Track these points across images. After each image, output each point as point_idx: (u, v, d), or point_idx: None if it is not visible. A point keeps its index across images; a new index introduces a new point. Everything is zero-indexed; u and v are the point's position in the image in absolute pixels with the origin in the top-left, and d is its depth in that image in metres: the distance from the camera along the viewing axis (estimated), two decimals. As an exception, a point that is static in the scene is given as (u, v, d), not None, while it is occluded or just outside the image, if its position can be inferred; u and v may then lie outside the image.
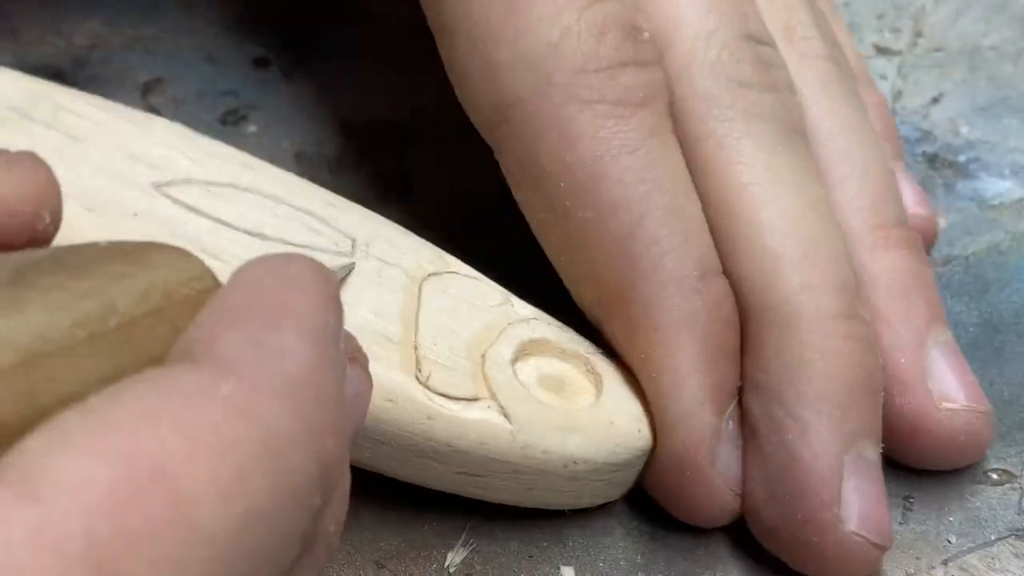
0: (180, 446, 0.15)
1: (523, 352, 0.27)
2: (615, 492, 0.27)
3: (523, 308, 0.28)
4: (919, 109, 0.37)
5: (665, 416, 0.26)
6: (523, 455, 0.25)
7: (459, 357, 0.26)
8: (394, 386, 0.25)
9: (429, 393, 0.25)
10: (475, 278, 0.28)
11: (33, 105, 0.26)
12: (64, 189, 0.24)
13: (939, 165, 0.36)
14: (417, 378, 0.25)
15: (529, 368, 0.27)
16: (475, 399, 0.25)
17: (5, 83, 0.27)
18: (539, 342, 0.27)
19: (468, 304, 0.27)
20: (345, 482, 0.19)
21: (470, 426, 0.25)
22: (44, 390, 0.15)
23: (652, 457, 0.27)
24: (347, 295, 0.26)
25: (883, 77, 0.38)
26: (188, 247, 0.24)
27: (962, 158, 0.36)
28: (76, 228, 0.24)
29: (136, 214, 0.25)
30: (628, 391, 0.27)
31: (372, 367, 0.24)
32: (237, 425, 0.15)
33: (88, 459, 0.14)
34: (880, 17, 0.40)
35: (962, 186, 0.36)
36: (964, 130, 0.37)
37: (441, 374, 0.25)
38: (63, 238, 0.24)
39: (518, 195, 0.28)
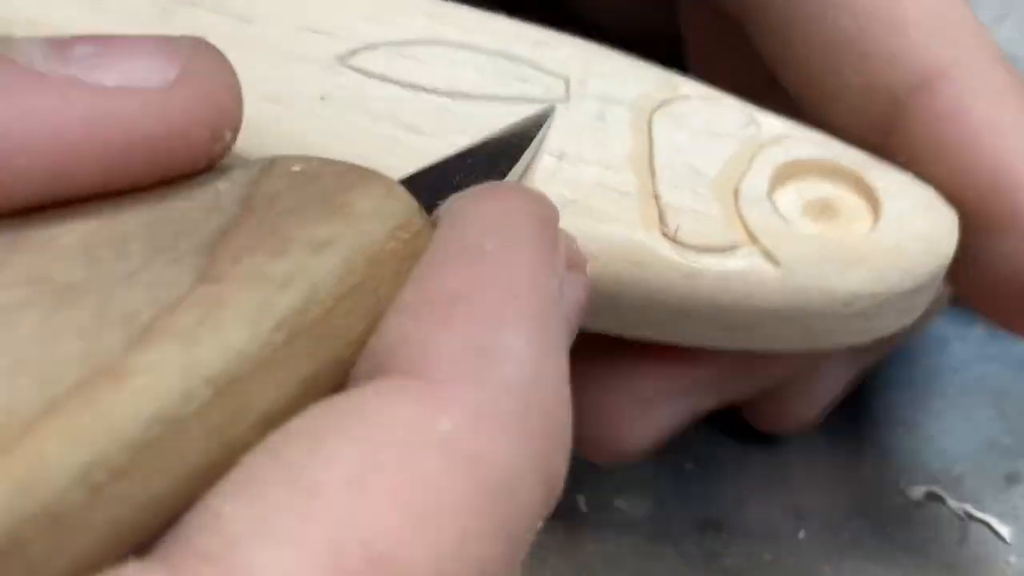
0: (395, 521, 0.13)
1: (781, 178, 0.23)
2: (909, 318, 0.24)
3: (772, 124, 0.24)
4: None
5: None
6: (797, 299, 0.22)
7: (708, 199, 0.22)
8: (639, 247, 0.22)
9: (680, 248, 0.22)
10: (710, 99, 0.24)
11: None
12: (243, 82, 0.22)
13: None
14: (664, 233, 0.22)
15: (790, 196, 0.23)
16: (734, 247, 0.22)
17: None
18: (798, 163, 0.23)
19: (708, 133, 0.23)
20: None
21: (732, 278, 0.22)
22: (237, 420, 0.14)
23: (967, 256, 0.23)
24: (568, 147, 0.23)
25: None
26: (384, 126, 0.22)
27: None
28: (261, 123, 0.22)
29: (323, 97, 0.23)
30: (913, 202, 0.23)
31: (608, 229, 0.21)
32: (458, 478, 0.13)
33: (296, 552, 0.12)
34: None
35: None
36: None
37: (690, 224, 0.22)
38: (246, 135, 0.22)
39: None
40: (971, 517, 0.27)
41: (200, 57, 0.17)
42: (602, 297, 0.22)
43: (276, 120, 0.22)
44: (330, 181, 0.17)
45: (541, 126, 0.23)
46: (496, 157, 0.21)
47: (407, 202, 0.17)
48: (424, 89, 0.23)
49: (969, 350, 0.31)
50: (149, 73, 0.16)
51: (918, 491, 0.28)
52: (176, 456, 0.13)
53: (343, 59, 0.23)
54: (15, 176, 0.15)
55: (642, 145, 0.23)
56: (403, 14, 0.24)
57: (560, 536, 0.27)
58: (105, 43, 0.16)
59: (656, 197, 0.22)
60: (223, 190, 0.17)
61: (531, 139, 0.22)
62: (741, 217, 0.22)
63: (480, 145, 0.21)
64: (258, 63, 0.23)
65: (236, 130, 0.18)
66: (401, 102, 0.23)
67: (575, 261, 0.19)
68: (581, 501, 0.28)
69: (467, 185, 0.19)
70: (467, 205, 0.17)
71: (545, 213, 0.18)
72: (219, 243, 0.15)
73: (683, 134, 0.23)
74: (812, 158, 0.23)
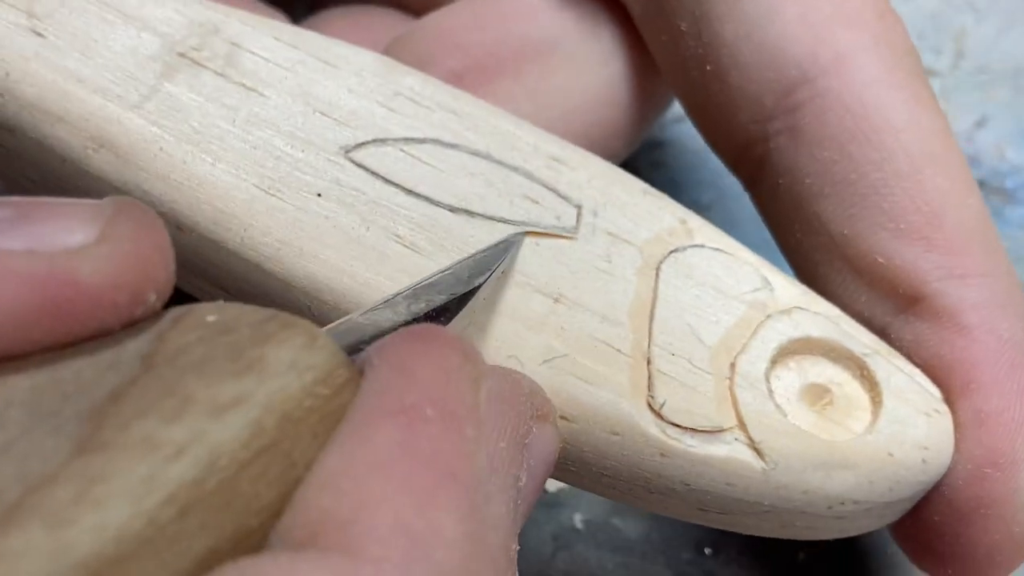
0: None
1: (782, 355, 0.22)
2: (886, 522, 0.23)
3: (785, 291, 0.22)
4: (963, 133, 0.35)
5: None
6: (777, 496, 0.21)
7: (702, 371, 0.21)
8: (621, 417, 0.20)
9: (663, 425, 0.20)
10: (724, 251, 0.23)
11: (203, 44, 0.22)
12: (237, 161, 0.21)
13: (986, 191, 0.34)
14: (650, 405, 0.21)
15: (789, 376, 0.22)
16: (719, 430, 0.21)
17: (171, 13, 0.22)
18: (803, 342, 0.22)
19: (716, 293, 0.22)
20: None
21: (712, 464, 0.20)
22: None
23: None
24: (567, 289, 0.21)
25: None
26: (377, 236, 0.21)
27: (1009, 184, 0.35)
28: (250, 213, 0.21)
29: (320, 194, 0.21)
30: (913, 405, 0.22)
31: (594, 393, 0.20)
32: None
33: None
34: (920, 37, 0.37)
35: (1010, 212, 0.34)
36: (1010, 154, 0.35)
37: (678, 399, 0.21)
38: (234, 226, 0.20)
39: (815, 206, 0.23)
40: None
41: (124, 217, 0.16)
42: (572, 459, 0.21)
43: (267, 212, 0.21)
44: (246, 332, 0.15)
45: (500, 261, 0.21)
46: (447, 299, 0.19)
47: (331, 352, 0.16)
48: (426, 199, 0.22)
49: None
50: (65, 236, 0.15)
51: None
52: None
53: (348, 151, 0.22)
54: None
55: (645, 296, 0.22)
56: (423, 105, 0.23)
57: (556, 555, 0.27)
58: (25, 207, 0.15)
59: (649, 361, 0.21)
60: (127, 345, 0.15)
61: (486, 276, 0.20)
62: (734, 398, 0.21)
63: (432, 282, 0.20)
64: (259, 143, 0.22)
65: (163, 293, 0.16)
66: (399, 211, 0.21)
67: (543, 411, 0.19)
68: (577, 520, 0.27)
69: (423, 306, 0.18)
70: (399, 358, 0.16)
71: (476, 371, 0.17)
72: (109, 406, 0.14)
73: (690, 291, 0.22)
74: (820, 338, 0.22)
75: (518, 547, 0.17)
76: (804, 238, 0.23)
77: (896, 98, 0.22)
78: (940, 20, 0.38)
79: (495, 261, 0.21)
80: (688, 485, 0.21)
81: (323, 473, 0.14)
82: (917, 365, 0.22)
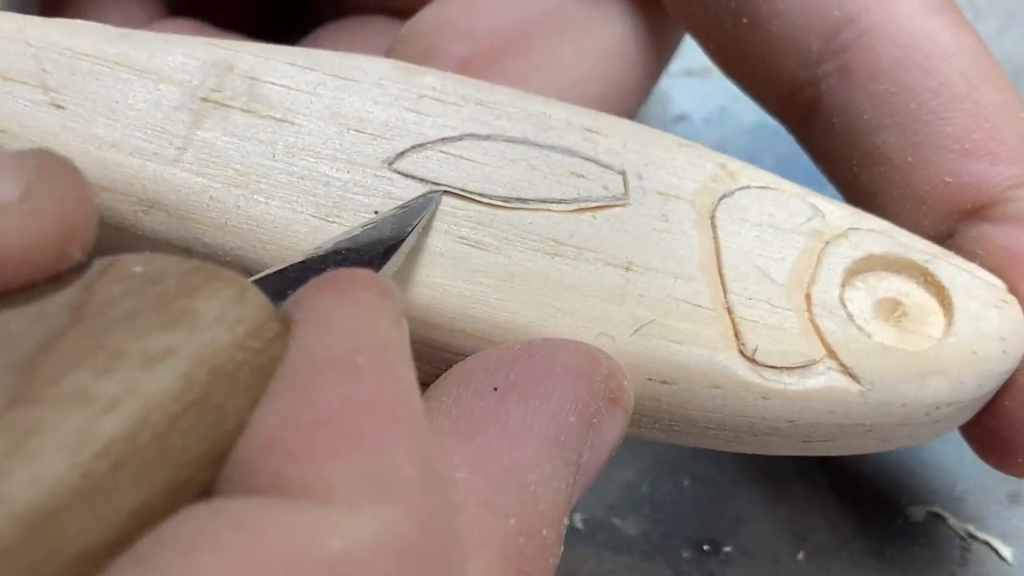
0: None
1: (849, 277, 0.22)
2: (975, 412, 0.23)
3: (835, 214, 0.23)
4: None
5: None
6: (878, 414, 0.21)
7: (781, 309, 0.21)
8: (718, 369, 0.21)
9: (759, 369, 0.21)
10: (770, 187, 0.23)
11: (222, 84, 0.22)
12: (289, 195, 0.21)
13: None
14: (742, 352, 0.21)
15: (860, 297, 0.22)
16: (812, 363, 0.21)
17: (182, 59, 0.22)
18: (866, 260, 0.22)
19: (773, 230, 0.22)
20: None
21: (813, 397, 0.21)
22: (52, 559, 0.12)
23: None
24: (635, 255, 0.22)
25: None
26: (442, 242, 0.21)
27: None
28: (315, 244, 0.21)
29: (377, 211, 0.21)
30: (982, 300, 0.22)
31: (687, 351, 0.20)
32: None
33: None
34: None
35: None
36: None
37: (768, 341, 0.21)
38: (296, 253, 0.20)
39: (874, 139, 0.23)
40: (973, 537, 0.27)
41: (48, 173, 0.16)
42: (677, 419, 0.21)
43: (327, 236, 0.21)
44: (172, 284, 0.15)
45: (420, 217, 0.21)
46: (370, 252, 0.19)
47: (260, 305, 0.15)
48: (478, 196, 0.22)
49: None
50: None
51: (919, 511, 0.28)
52: None
53: (391, 163, 0.22)
54: None
55: (709, 248, 0.22)
56: (449, 102, 0.23)
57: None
58: None
59: (729, 311, 0.21)
60: (53, 297, 0.15)
61: (408, 232, 0.20)
62: (817, 329, 0.21)
63: (353, 237, 0.20)
64: (304, 173, 0.21)
65: (88, 248, 0.16)
66: (456, 213, 0.21)
67: (616, 395, 0.19)
68: (577, 519, 0.27)
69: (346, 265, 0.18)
70: (320, 308, 0.16)
71: (397, 308, 0.17)
72: (39, 359, 0.14)
73: (749, 234, 0.22)
74: (880, 253, 0.23)
75: (568, 522, 0.18)
76: (863, 171, 0.24)
77: (939, 24, 0.23)
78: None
79: (416, 216, 0.21)
80: (792, 422, 0.21)
81: (266, 433, 0.14)
82: (978, 261, 0.23)
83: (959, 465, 0.28)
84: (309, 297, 0.16)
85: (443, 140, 0.22)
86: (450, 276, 0.21)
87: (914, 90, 0.23)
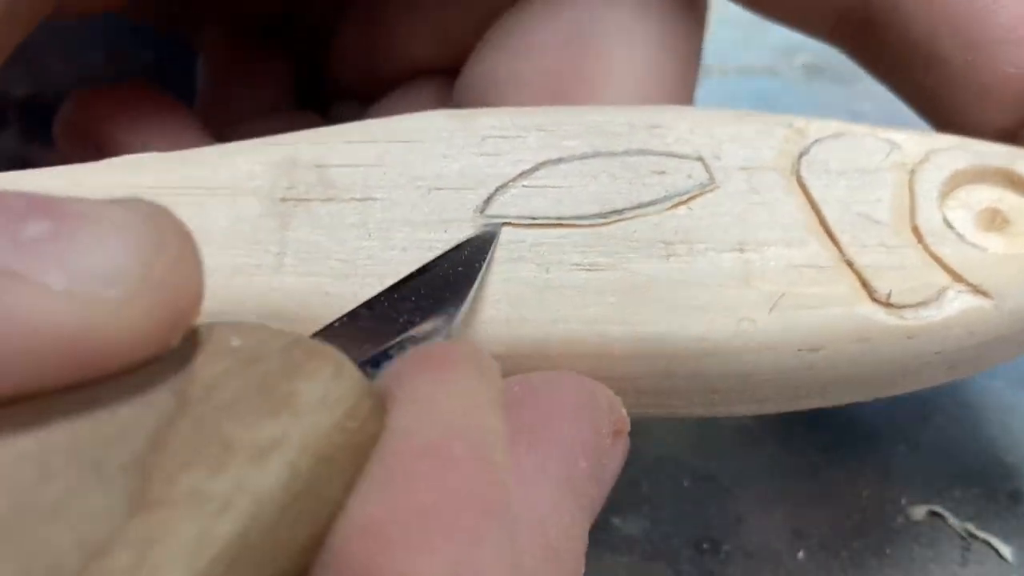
0: None
1: (943, 199, 0.23)
2: None
3: (910, 143, 0.23)
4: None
5: None
6: (1013, 321, 0.22)
7: (897, 247, 0.22)
8: (860, 323, 0.21)
9: (898, 311, 0.21)
10: (840, 134, 0.23)
11: (294, 181, 0.22)
12: (397, 269, 0.21)
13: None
14: (876, 300, 0.21)
15: (960, 216, 0.23)
16: (943, 291, 0.21)
17: (248, 167, 0.22)
18: (954, 178, 0.23)
19: (860, 174, 0.23)
20: None
21: (953, 324, 0.21)
22: None
23: None
24: (744, 235, 0.22)
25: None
26: (562, 275, 0.21)
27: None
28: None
29: (488, 263, 0.21)
30: None
31: (826, 314, 0.21)
32: None
33: None
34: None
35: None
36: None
37: (897, 282, 0.21)
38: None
39: (931, 46, 0.24)
40: (973, 536, 0.27)
41: (164, 250, 0.15)
42: (829, 383, 0.21)
43: None
44: (274, 363, 0.15)
45: (486, 251, 0.21)
46: (442, 289, 0.20)
47: (356, 382, 0.15)
48: (575, 221, 0.22)
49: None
50: (106, 269, 0.14)
51: (919, 510, 0.27)
52: None
53: (483, 210, 0.22)
54: None
55: (806, 209, 0.22)
56: (512, 136, 0.23)
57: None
58: (61, 218, 0.14)
59: (850, 264, 0.21)
60: (155, 380, 0.15)
61: (480, 264, 0.20)
62: (936, 257, 0.22)
63: (423, 277, 0.20)
64: (405, 243, 0.21)
65: (188, 330, 0.16)
66: (561, 242, 0.21)
67: (619, 427, 0.19)
68: None
69: (415, 322, 0.18)
70: (424, 386, 0.16)
71: (495, 388, 0.17)
72: (152, 456, 0.14)
73: (838, 183, 0.22)
74: (963, 168, 0.23)
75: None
76: (926, 78, 0.24)
77: None
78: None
79: (482, 252, 0.21)
80: (939, 353, 0.21)
81: (362, 521, 0.14)
82: None
83: (959, 464, 0.28)
84: (407, 374, 0.16)
85: (521, 175, 0.22)
86: (579, 305, 0.21)
87: None
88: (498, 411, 0.16)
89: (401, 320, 0.19)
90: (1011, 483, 0.28)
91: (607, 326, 0.20)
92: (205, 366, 0.15)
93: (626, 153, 0.23)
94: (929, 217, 0.22)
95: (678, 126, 0.23)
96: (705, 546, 0.27)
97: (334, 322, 0.18)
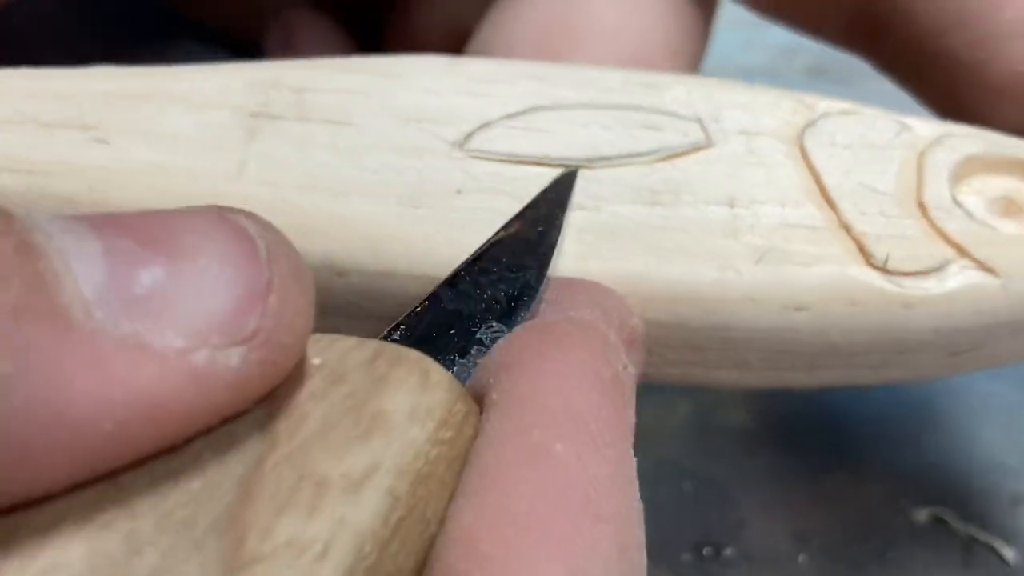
0: None
1: (955, 181, 0.21)
2: None
3: (923, 126, 0.22)
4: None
5: None
6: (1020, 305, 0.20)
7: (898, 218, 0.20)
8: (852, 284, 0.19)
9: (895, 278, 0.19)
10: (851, 112, 0.22)
11: (270, 99, 0.21)
12: (365, 189, 0.20)
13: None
14: (872, 264, 0.20)
15: (971, 200, 0.21)
16: (946, 263, 0.20)
17: (226, 82, 0.21)
18: (968, 162, 0.21)
19: (867, 147, 0.21)
20: None
21: (955, 299, 0.20)
22: None
23: None
24: (736, 191, 0.20)
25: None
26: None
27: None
28: (403, 230, 0.19)
29: (460, 191, 0.20)
30: None
31: (818, 271, 0.19)
32: None
33: None
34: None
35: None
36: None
37: (896, 249, 0.20)
38: (398, 251, 0.19)
39: (943, 46, 0.24)
40: (975, 539, 0.26)
41: (283, 298, 0.13)
42: (820, 350, 0.20)
43: (418, 221, 0.19)
44: (359, 381, 0.14)
45: (568, 191, 0.20)
46: (522, 254, 0.18)
47: (445, 388, 0.14)
48: (561, 161, 0.21)
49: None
50: (222, 326, 0.12)
51: (921, 513, 0.27)
52: None
53: (461, 145, 0.21)
54: (41, 467, 0.11)
55: (807, 175, 0.21)
56: (502, 82, 0.22)
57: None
58: (172, 258, 0.12)
59: (847, 228, 0.20)
60: (242, 418, 0.13)
61: (559, 225, 0.19)
62: (940, 231, 0.20)
63: (503, 243, 0.19)
64: (375, 166, 0.20)
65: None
66: (540, 179, 0.20)
67: (633, 339, 0.18)
68: None
69: (499, 298, 0.17)
70: (521, 381, 0.15)
71: (604, 360, 0.15)
72: (243, 508, 0.12)
73: (843, 155, 0.21)
74: (979, 154, 0.22)
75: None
76: (941, 78, 0.24)
77: None
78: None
79: (558, 207, 0.19)
80: (938, 330, 0.20)
81: (462, 535, 0.13)
82: None
83: (961, 467, 0.28)
84: (503, 369, 0.15)
85: (508, 116, 0.21)
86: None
87: None
88: (613, 384, 0.15)
89: (486, 296, 0.17)
90: (1013, 486, 0.27)
91: (582, 262, 0.19)
92: (289, 394, 0.14)
93: (619, 107, 0.22)
94: (938, 193, 0.21)
95: (675, 88, 0.22)
96: (706, 550, 0.26)
97: (416, 307, 0.17)
